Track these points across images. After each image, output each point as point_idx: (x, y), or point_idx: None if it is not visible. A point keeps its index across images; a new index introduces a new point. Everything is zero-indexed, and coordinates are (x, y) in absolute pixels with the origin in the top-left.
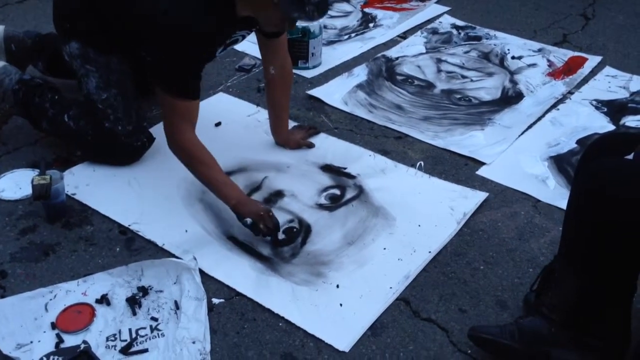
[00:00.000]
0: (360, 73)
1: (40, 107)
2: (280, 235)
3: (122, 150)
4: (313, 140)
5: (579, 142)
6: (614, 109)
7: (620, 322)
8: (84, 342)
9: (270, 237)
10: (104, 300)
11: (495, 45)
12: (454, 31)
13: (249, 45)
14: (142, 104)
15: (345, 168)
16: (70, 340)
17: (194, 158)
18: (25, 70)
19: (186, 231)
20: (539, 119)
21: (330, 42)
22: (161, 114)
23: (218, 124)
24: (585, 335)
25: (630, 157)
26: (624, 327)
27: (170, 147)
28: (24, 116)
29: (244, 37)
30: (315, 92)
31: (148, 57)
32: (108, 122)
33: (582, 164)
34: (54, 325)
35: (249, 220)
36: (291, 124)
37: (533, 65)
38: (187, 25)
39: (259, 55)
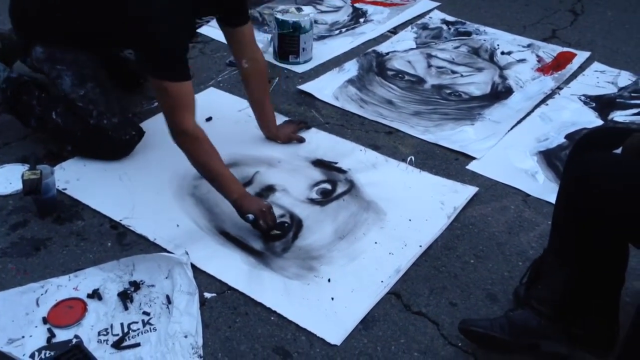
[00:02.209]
0: (351, 68)
1: (28, 105)
2: (274, 231)
3: (111, 145)
4: (304, 134)
5: (567, 137)
6: (602, 104)
7: (608, 314)
8: (76, 336)
9: (274, 233)
10: (95, 295)
11: (484, 40)
12: (444, 26)
13: None
14: (131, 98)
15: (336, 163)
16: (61, 335)
17: (199, 146)
18: (13, 67)
19: (178, 226)
20: (528, 114)
21: (320, 37)
22: (161, 108)
23: (209, 119)
24: (574, 327)
25: (618, 151)
26: (612, 319)
27: (174, 137)
28: (12, 114)
29: (207, 22)
30: (306, 87)
31: (132, 47)
32: (92, 118)
33: (571, 158)
34: (45, 320)
35: (251, 216)
36: (282, 118)
37: (522, 60)
38: (168, 10)
39: None
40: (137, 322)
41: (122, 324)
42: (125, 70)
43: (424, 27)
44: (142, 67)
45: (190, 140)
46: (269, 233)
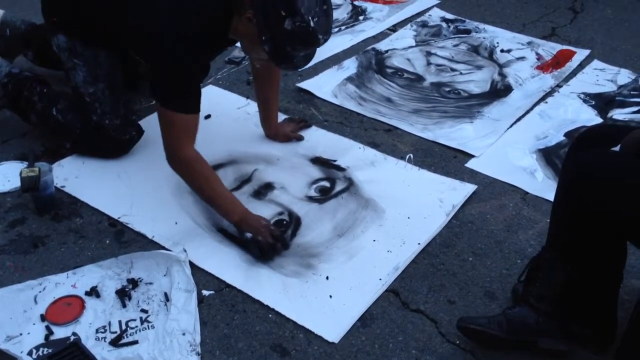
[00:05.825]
0: (350, 66)
1: (29, 101)
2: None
3: (110, 144)
4: (303, 133)
5: (566, 135)
6: (601, 102)
7: (606, 311)
8: (74, 334)
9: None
10: (93, 292)
11: (484, 38)
12: (444, 24)
13: None
14: (131, 96)
15: (335, 160)
16: (59, 332)
17: (197, 173)
18: (15, 61)
19: (176, 223)
20: (528, 112)
21: None
22: (163, 134)
23: (208, 117)
24: (572, 324)
25: (617, 149)
26: (610, 316)
27: (172, 163)
28: (12, 110)
29: (230, 45)
30: (305, 84)
31: (150, 72)
32: (95, 115)
33: (569, 155)
34: (43, 318)
35: (248, 235)
36: (281, 116)
37: (522, 58)
38: (187, 43)
39: None
40: (135, 320)
41: (120, 322)
42: (138, 71)
43: (424, 24)
44: (154, 95)
45: (191, 166)
46: (271, 249)
